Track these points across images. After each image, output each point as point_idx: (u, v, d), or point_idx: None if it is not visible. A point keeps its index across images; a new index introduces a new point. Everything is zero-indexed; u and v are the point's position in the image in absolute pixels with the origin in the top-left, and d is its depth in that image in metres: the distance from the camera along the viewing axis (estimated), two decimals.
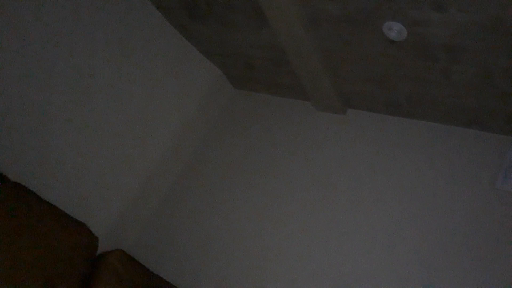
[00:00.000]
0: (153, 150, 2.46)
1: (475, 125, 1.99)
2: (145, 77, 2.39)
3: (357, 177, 2.14)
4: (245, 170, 2.42)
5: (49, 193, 2.05)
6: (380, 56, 1.89)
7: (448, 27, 1.60)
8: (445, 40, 1.66)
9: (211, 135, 2.63)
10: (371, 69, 2.00)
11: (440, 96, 1.94)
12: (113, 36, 2.24)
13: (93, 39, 2.17)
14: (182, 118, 2.55)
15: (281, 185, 2.28)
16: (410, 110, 2.12)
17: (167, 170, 2.52)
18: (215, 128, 2.65)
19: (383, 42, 1.81)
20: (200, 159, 2.57)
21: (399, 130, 2.16)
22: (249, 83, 2.62)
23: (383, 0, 1.62)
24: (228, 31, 2.25)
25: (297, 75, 2.27)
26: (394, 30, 1.68)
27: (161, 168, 2.50)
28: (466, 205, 1.88)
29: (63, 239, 1.54)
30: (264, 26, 2.08)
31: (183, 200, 2.48)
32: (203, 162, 2.55)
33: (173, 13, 2.34)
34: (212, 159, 2.54)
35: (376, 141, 2.19)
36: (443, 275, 1.78)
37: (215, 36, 2.36)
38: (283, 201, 2.23)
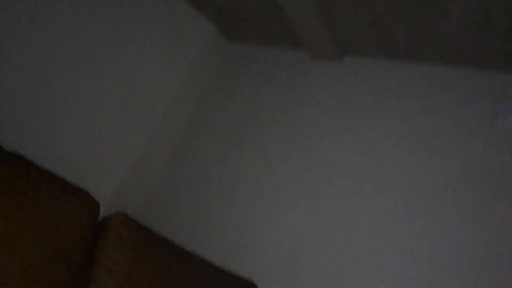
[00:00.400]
0: (151, 113, 2.43)
1: (475, 65, 1.95)
2: (135, 37, 2.33)
3: (357, 124, 2.11)
4: (245, 125, 2.39)
5: (47, 162, 2.03)
6: None
7: None
8: None
9: (209, 91, 2.60)
10: (366, 12, 1.94)
11: (438, 36, 1.89)
12: None
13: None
14: (178, 75, 2.50)
15: (283, 138, 2.26)
16: (408, 53, 2.07)
17: (167, 132, 2.50)
18: (212, 84, 2.61)
19: None
20: (200, 117, 2.54)
21: (398, 74, 2.12)
22: (243, 35, 2.56)
23: None
24: None
25: (291, 23, 2.21)
26: None
27: (161, 131, 2.47)
28: (467, 145, 1.86)
29: (63, 206, 1.52)
30: None
31: (186, 161, 2.47)
32: (203, 120, 2.53)
33: None
34: (212, 115, 2.52)
35: (375, 87, 2.15)
36: (442, 215, 1.78)
37: None
38: (286, 155, 2.21)
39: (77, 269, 1.52)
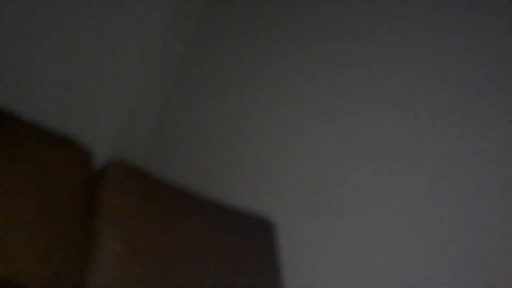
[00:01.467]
0: (139, 57, 2.32)
1: None
2: None
3: (355, 47, 1.99)
4: (243, 63, 2.29)
5: (36, 115, 1.97)
6: None
7: None
8: None
9: (202, 24, 2.48)
10: None
11: None
12: None
13: None
14: (166, 8, 2.38)
15: (282, 75, 2.15)
16: None
17: (162, 71, 2.41)
18: (203, 18, 2.49)
19: None
20: (195, 52, 2.44)
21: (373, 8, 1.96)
22: None
23: None
24: None
25: None
26: None
27: (155, 69, 2.39)
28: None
29: (52, 158, 1.45)
30: None
31: (184, 101, 2.39)
32: (198, 56, 2.42)
33: None
34: (209, 50, 2.41)
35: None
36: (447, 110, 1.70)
37: None
38: (289, 91, 2.12)
39: (77, 219, 1.47)
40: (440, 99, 1.79)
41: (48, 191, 1.42)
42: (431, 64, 1.85)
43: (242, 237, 1.68)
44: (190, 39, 2.47)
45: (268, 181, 2.02)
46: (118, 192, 1.56)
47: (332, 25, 2.11)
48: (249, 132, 2.15)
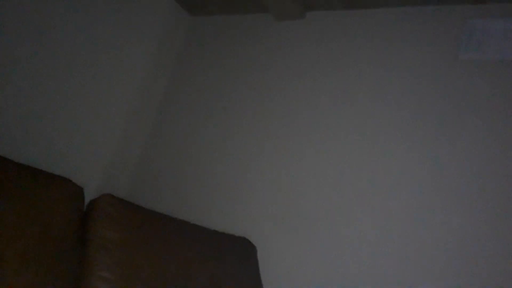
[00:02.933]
0: (123, 95, 2.40)
1: (432, 1, 1.96)
2: (94, 24, 2.29)
3: (328, 74, 2.12)
4: (219, 93, 2.39)
5: (25, 156, 2.01)
6: None
7: None
8: None
9: (178, 67, 2.58)
10: None
11: None
12: None
13: None
14: (144, 55, 2.48)
15: (258, 101, 2.27)
16: (366, 1, 2.07)
17: (142, 111, 2.49)
18: (180, 59, 2.59)
19: None
20: (176, 92, 2.53)
21: (360, 22, 2.13)
22: (204, 7, 2.54)
23: None
24: None
25: None
26: None
27: (136, 111, 2.46)
28: (432, 81, 1.88)
29: (45, 195, 1.50)
30: None
31: (166, 137, 2.46)
32: (179, 95, 2.52)
33: None
34: (185, 89, 2.51)
35: (340, 37, 2.16)
36: (413, 141, 1.81)
37: None
38: (264, 117, 2.23)
39: (70, 249, 1.52)
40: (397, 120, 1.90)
41: (43, 224, 1.46)
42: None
43: (225, 256, 1.74)
44: (168, 84, 2.56)
45: (247, 205, 2.07)
46: (108, 223, 1.62)
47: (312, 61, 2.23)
48: (228, 162, 2.21)
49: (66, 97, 2.21)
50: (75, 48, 2.21)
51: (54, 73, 2.16)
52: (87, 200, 1.73)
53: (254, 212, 2.06)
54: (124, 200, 1.71)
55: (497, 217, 1.61)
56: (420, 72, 1.92)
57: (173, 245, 1.67)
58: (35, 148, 2.11)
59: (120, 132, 2.40)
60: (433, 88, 1.87)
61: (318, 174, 1.98)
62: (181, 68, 2.56)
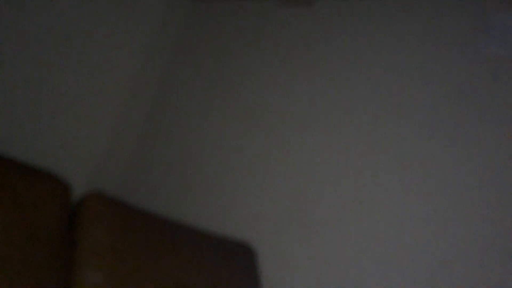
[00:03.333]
0: (117, 85, 2.32)
1: None
2: (90, 10, 2.19)
3: (335, 66, 2.03)
4: (220, 83, 2.29)
5: (7, 149, 1.94)
6: None
7: None
8: None
9: (176, 56, 2.49)
10: None
11: None
12: None
13: None
14: (143, 43, 2.38)
15: (261, 91, 2.17)
16: None
17: (138, 102, 2.40)
18: (179, 47, 2.49)
19: None
20: (171, 83, 2.44)
21: (371, 11, 2.03)
22: None
23: None
24: None
25: None
26: None
27: (129, 102, 2.37)
28: (453, 74, 1.79)
29: (29, 192, 1.43)
30: None
31: (160, 130, 2.38)
32: (174, 86, 2.42)
33: None
34: (183, 80, 2.41)
35: (349, 28, 2.06)
36: (427, 141, 1.72)
37: None
38: (265, 111, 2.14)
39: (57, 251, 1.45)
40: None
41: (28, 224, 1.40)
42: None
43: (223, 262, 1.67)
44: (163, 76, 2.46)
45: (246, 206, 2.01)
46: (97, 223, 1.55)
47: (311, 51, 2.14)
48: (226, 160, 2.14)
49: (52, 86, 2.13)
50: (63, 36, 2.13)
51: (40, 62, 2.07)
52: (75, 196, 1.68)
53: (255, 213, 1.99)
54: (115, 198, 1.63)
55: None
56: (436, 67, 1.83)
57: (167, 249, 1.60)
58: (18, 140, 2.04)
59: (111, 124, 2.32)
60: (450, 84, 1.78)
61: (323, 174, 1.91)
62: (178, 57, 2.47)
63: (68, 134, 2.18)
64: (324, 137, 1.95)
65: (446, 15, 1.86)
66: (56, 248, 1.49)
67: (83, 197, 1.60)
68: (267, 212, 1.96)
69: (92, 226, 1.55)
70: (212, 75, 2.32)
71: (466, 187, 1.66)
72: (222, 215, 2.05)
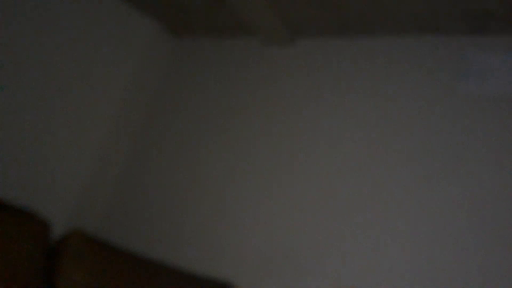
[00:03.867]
0: (99, 123, 2.28)
1: (430, 31, 1.90)
2: (73, 46, 2.18)
3: (316, 105, 2.04)
4: (201, 122, 2.28)
5: None
6: None
7: None
8: None
9: (159, 92, 2.47)
10: None
11: (391, 6, 1.82)
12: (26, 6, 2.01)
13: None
14: (124, 79, 2.36)
15: (243, 130, 2.17)
16: (361, 28, 2.00)
17: (120, 141, 2.36)
18: (162, 83, 2.48)
19: None
20: (153, 120, 2.42)
21: (353, 51, 2.06)
22: (188, 29, 2.44)
23: None
24: None
25: (236, 9, 2.10)
26: None
27: (112, 140, 2.33)
28: (429, 115, 1.81)
29: (6, 231, 1.39)
30: None
31: (142, 169, 2.34)
32: (156, 123, 2.40)
33: None
34: (165, 117, 2.40)
35: (330, 67, 2.08)
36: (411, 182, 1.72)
37: None
38: (249, 148, 2.13)
39: None
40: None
41: (5, 263, 1.35)
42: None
43: None
44: (146, 114, 2.44)
45: (227, 245, 1.97)
46: (77, 264, 1.50)
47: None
48: (207, 199, 2.10)
49: (33, 124, 2.09)
50: (48, 74, 2.10)
51: (20, 102, 2.03)
52: (56, 235, 1.63)
53: (235, 252, 1.95)
54: (96, 238, 1.59)
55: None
56: (415, 106, 1.85)
57: None
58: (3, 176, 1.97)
59: (92, 163, 2.27)
60: (430, 123, 1.80)
61: (308, 209, 1.89)
62: (162, 94, 2.46)
63: (48, 173, 2.13)
64: (307, 178, 1.94)
65: (427, 56, 1.90)
66: (36, 285, 1.44)
67: (64, 235, 1.56)
68: (248, 251, 1.92)
69: (70, 266, 1.50)
70: (196, 112, 2.31)
71: (441, 222, 1.66)
72: (203, 254, 2.00)
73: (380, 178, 1.81)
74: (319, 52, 2.12)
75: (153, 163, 2.31)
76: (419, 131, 1.81)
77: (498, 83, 1.75)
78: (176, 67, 2.47)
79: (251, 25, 2.13)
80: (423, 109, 1.83)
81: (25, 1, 2.03)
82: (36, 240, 1.48)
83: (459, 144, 1.73)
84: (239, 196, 2.04)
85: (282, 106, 2.12)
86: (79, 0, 2.20)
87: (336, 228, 1.81)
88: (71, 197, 2.19)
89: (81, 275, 1.47)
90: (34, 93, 2.07)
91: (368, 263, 1.71)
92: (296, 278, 1.80)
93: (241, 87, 2.25)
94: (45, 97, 2.11)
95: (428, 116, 1.81)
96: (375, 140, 1.87)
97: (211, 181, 2.13)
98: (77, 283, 1.46)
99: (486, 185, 1.64)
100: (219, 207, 2.06)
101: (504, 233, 1.56)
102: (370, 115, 1.92)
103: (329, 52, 2.10)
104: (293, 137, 2.04)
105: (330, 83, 2.05)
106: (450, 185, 1.69)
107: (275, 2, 1.99)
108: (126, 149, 2.39)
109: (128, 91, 2.37)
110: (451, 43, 1.87)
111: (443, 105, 1.80)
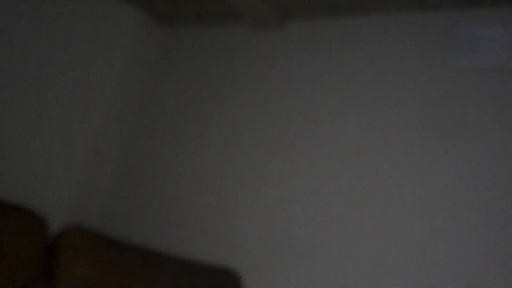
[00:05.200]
0: (91, 117, 2.27)
1: (419, 7, 1.89)
2: (59, 42, 2.16)
3: (309, 87, 2.03)
4: (194, 110, 2.27)
5: None
6: None
7: None
8: None
9: (150, 83, 2.46)
10: None
11: None
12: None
13: None
14: (113, 73, 2.34)
15: (236, 116, 2.16)
16: (350, 7, 1.99)
17: (114, 134, 2.35)
18: (152, 73, 2.47)
19: None
20: (146, 110, 2.41)
21: (343, 31, 2.05)
22: (176, 17, 2.42)
23: None
24: None
25: None
26: None
27: (107, 134, 2.32)
28: (423, 90, 1.81)
29: (6, 227, 1.39)
30: None
31: (137, 160, 2.33)
32: (150, 113, 2.39)
33: None
34: (158, 107, 2.38)
35: (322, 48, 2.07)
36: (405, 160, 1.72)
37: None
38: (241, 134, 2.12)
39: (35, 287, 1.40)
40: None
41: (4, 260, 1.35)
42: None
43: None
44: (138, 107, 2.43)
45: (229, 233, 1.97)
46: (76, 257, 1.50)
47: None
48: (207, 187, 2.10)
49: (28, 120, 2.07)
50: (38, 69, 2.09)
51: (14, 98, 2.02)
52: (54, 230, 1.63)
53: (239, 239, 1.95)
54: (94, 231, 1.59)
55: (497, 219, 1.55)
56: (409, 82, 1.84)
57: (149, 281, 1.55)
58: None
59: (89, 158, 2.26)
60: (425, 98, 1.80)
61: (308, 196, 1.89)
62: (153, 84, 2.44)
63: (44, 169, 2.12)
64: (304, 163, 1.94)
65: (416, 30, 1.89)
66: (34, 282, 1.44)
67: (61, 231, 1.56)
68: (251, 238, 1.92)
69: (70, 259, 1.50)
70: (189, 101, 2.30)
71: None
72: (205, 243, 2.00)
73: (378, 158, 1.81)
74: (309, 34, 2.11)
75: (148, 155, 2.30)
76: (414, 106, 1.81)
77: (489, 54, 1.75)
78: (166, 56, 2.45)
79: (239, 11, 2.11)
80: (417, 84, 1.83)
81: None
82: (34, 236, 1.49)
83: (454, 115, 1.73)
84: (236, 184, 2.04)
85: (275, 90, 2.11)
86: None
87: (334, 214, 1.81)
88: (68, 192, 2.18)
89: (80, 268, 1.47)
90: (23, 89, 2.06)
91: (367, 249, 1.72)
92: (296, 264, 1.80)
93: (232, 73, 2.24)
94: (36, 93, 2.09)
95: (422, 90, 1.81)
96: (370, 119, 1.87)
97: (207, 170, 2.12)
98: (77, 276, 1.46)
99: (483, 154, 1.65)
100: (217, 196, 2.06)
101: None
102: (365, 94, 1.91)
103: (319, 34, 2.09)
104: (288, 121, 2.03)
105: (321, 64, 2.04)
106: (446, 155, 1.70)
107: None
108: (120, 142, 2.38)
109: (119, 84, 2.35)
110: (441, 18, 1.87)
111: (437, 79, 1.80)
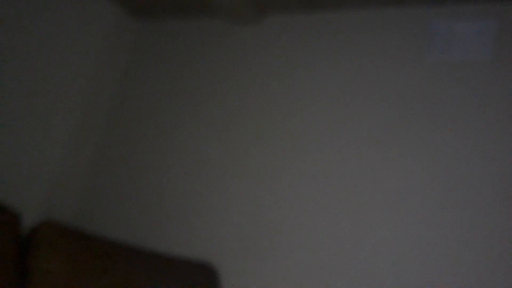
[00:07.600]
0: (67, 112, 2.24)
1: (394, 3, 1.91)
2: (34, 39, 2.12)
3: (285, 82, 2.04)
4: (170, 105, 2.26)
5: None
6: None
7: None
8: None
9: (126, 77, 2.43)
10: None
11: None
12: None
13: None
14: (91, 68, 2.31)
15: (212, 111, 2.15)
16: (326, 2, 2.00)
17: (89, 128, 2.32)
18: (130, 69, 2.44)
19: None
20: (121, 105, 2.38)
21: (319, 26, 2.06)
22: (151, 10, 2.40)
23: None
24: None
25: None
26: None
27: (82, 128, 2.29)
28: (400, 86, 1.83)
29: None
30: None
31: (114, 154, 2.31)
32: (128, 109, 2.36)
33: None
34: (133, 102, 2.36)
35: (299, 43, 2.08)
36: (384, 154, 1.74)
37: None
38: (218, 129, 2.12)
39: (9, 280, 1.37)
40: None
41: None
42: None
43: (184, 283, 1.63)
44: (114, 100, 2.40)
45: (207, 228, 1.97)
46: (50, 252, 1.48)
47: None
48: (185, 182, 2.09)
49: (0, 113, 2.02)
50: (10, 63, 2.04)
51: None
52: (28, 226, 1.60)
53: (216, 233, 1.95)
54: (68, 227, 1.57)
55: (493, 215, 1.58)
56: (385, 76, 1.86)
57: (124, 275, 1.54)
58: None
59: (63, 150, 2.22)
60: (401, 94, 1.82)
61: (287, 189, 1.90)
62: (130, 78, 2.42)
63: (16, 164, 2.08)
64: (289, 152, 1.94)
65: (392, 26, 1.91)
66: (7, 277, 1.41)
67: (35, 226, 1.53)
68: (229, 232, 1.92)
69: (44, 255, 1.48)
70: (166, 95, 2.29)
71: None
72: (183, 237, 2.00)
73: (359, 153, 1.82)
74: (286, 29, 2.12)
75: (125, 149, 2.28)
76: (391, 101, 1.83)
77: (463, 49, 1.78)
78: (142, 50, 2.43)
79: (216, 5, 2.10)
80: (393, 79, 1.85)
81: None
82: (7, 232, 1.46)
83: (431, 109, 1.76)
84: (214, 178, 2.03)
85: (252, 84, 2.11)
86: None
87: (314, 206, 1.82)
88: (42, 187, 2.15)
89: (55, 263, 1.45)
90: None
91: (350, 241, 1.73)
92: (273, 258, 1.81)
93: (209, 67, 2.23)
94: (8, 87, 2.05)
95: (399, 86, 1.83)
96: (348, 113, 1.88)
97: (185, 163, 2.12)
98: (51, 272, 1.44)
99: (458, 148, 1.68)
100: (195, 191, 2.05)
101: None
102: (341, 89, 1.93)
103: (296, 29, 2.10)
104: (266, 116, 2.03)
105: (298, 59, 2.05)
106: (423, 152, 1.72)
107: None
108: (96, 135, 2.36)
109: (92, 77, 2.32)
110: (415, 14, 1.89)
111: (413, 74, 1.82)
